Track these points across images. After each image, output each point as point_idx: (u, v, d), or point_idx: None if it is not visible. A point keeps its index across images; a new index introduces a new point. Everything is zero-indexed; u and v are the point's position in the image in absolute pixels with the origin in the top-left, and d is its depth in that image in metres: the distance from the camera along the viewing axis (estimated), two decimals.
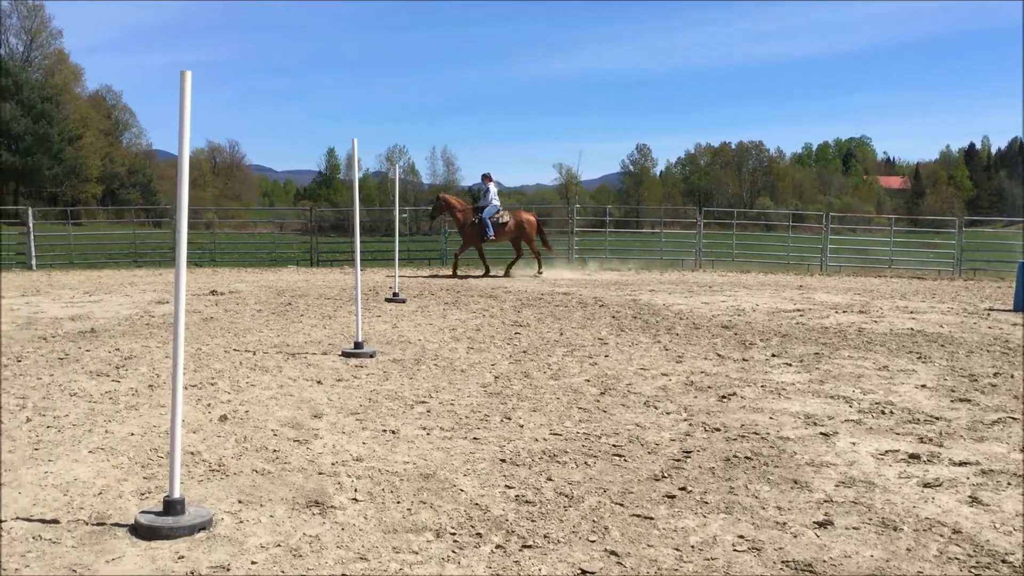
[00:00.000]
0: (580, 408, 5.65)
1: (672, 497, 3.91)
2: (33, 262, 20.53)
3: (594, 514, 3.68)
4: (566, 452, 4.61)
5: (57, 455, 4.43)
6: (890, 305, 12.63)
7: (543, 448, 4.68)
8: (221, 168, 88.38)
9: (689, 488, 4.02)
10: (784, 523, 3.59)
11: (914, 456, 4.59)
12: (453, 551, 3.26)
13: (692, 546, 3.34)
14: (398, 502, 3.80)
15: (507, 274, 17.87)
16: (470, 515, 3.64)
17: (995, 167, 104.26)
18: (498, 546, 3.31)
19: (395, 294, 12.58)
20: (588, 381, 6.54)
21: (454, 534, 3.43)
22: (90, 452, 4.49)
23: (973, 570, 3.15)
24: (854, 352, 8.02)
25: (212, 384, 6.24)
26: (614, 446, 4.74)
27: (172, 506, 3.44)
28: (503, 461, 4.43)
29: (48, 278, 17.25)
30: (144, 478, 4.09)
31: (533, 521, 3.58)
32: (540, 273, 17.81)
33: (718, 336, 8.97)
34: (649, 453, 4.62)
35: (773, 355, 7.81)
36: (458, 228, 17.94)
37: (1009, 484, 4.13)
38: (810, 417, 5.45)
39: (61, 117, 57.05)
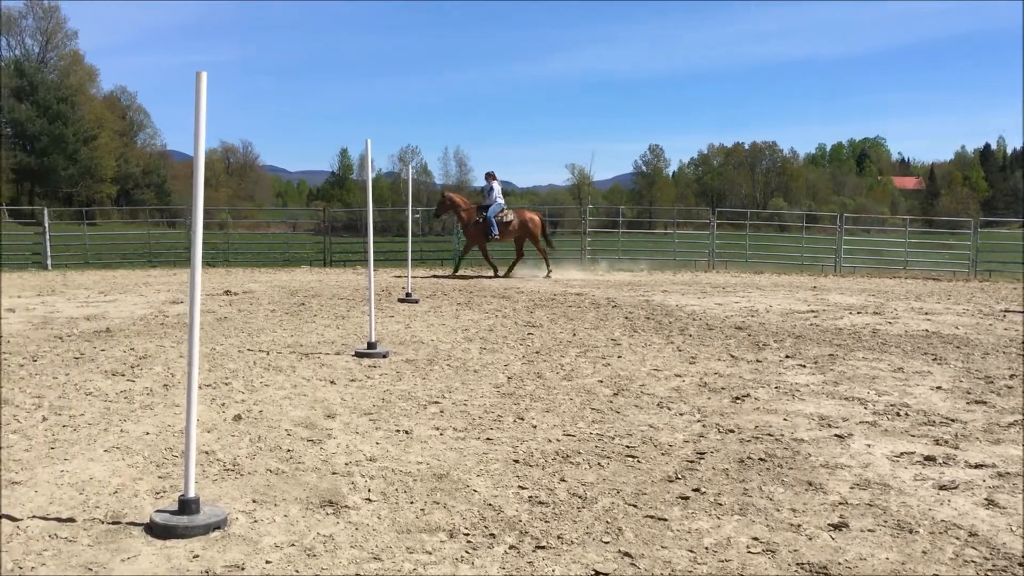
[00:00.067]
0: (593, 409, 5.64)
1: (686, 498, 3.90)
2: (48, 262, 20.69)
3: (608, 515, 3.67)
4: (579, 453, 4.60)
5: (73, 454, 4.46)
6: (905, 306, 12.56)
7: (556, 449, 4.68)
8: (235, 168, 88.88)
9: (703, 489, 4.01)
10: (799, 525, 3.57)
11: (930, 458, 4.55)
12: (467, 551, 3.26)
13: (706, 547, 3.33)
14: (411, 502, 3.80)
15: (508, 275, 17.73)
16: (483, 516, 3.64)
17: (1011, 167, 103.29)
18: (512, 547, 3.31)
19: (408, 294, 12.59)
20: (601, 382, 6.53)
21: (467, 534, 3.43)
22: (105, 451, 4.52)
23: (990, 573, 3.12)
24: (869, 353, 7.98)
25: (226, 384, 6.26)
26: (627, 447, 4.73)
27: (187, 505, 3.46)
28: (516, 462, 4.43)
29: (63, 278, 17.37)
30: (159, 477, 4.11)
31: (547, 522, 3.58)
32: (549, 274, 17.68)
33: (732, 337, 8.94)
34: (663, 454, 4.61)
35: (787, 356, 7.77)
36: (462, 227, 17.86)
37: None
38: (824, 419, 5.43)
39: (76, 118, 57.50)
